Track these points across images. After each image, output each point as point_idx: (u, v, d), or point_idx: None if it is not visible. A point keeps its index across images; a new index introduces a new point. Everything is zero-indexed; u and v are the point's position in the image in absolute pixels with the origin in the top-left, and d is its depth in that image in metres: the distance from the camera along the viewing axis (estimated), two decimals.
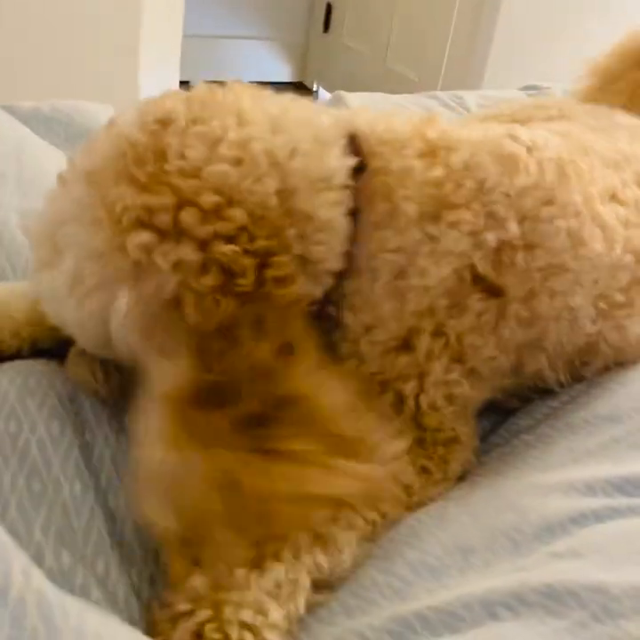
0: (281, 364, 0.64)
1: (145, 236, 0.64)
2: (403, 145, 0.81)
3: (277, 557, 0.66)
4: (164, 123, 0.68)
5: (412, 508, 0.78)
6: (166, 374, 0.65)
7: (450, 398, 0.81)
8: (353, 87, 1.84)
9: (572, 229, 0.83)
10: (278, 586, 0.65)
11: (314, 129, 0.75)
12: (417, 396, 0.80)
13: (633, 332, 0.92)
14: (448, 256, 0.78)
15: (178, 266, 0.64)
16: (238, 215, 0.65)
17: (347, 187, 0.74)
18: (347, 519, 0.72)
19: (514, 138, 0.85)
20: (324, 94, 4.10)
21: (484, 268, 0.79)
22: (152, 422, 0.64)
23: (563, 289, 0.84)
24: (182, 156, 0.66)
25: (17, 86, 2.43)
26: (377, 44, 3.65)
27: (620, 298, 0.89)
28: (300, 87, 4.26)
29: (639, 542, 0.65)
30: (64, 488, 0.71)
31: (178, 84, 2.78)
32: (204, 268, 0.64)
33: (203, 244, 0.64)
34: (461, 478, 0.84)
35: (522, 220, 0.81)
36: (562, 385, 0.92)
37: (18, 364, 0.82)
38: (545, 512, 0.70)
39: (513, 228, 0.80)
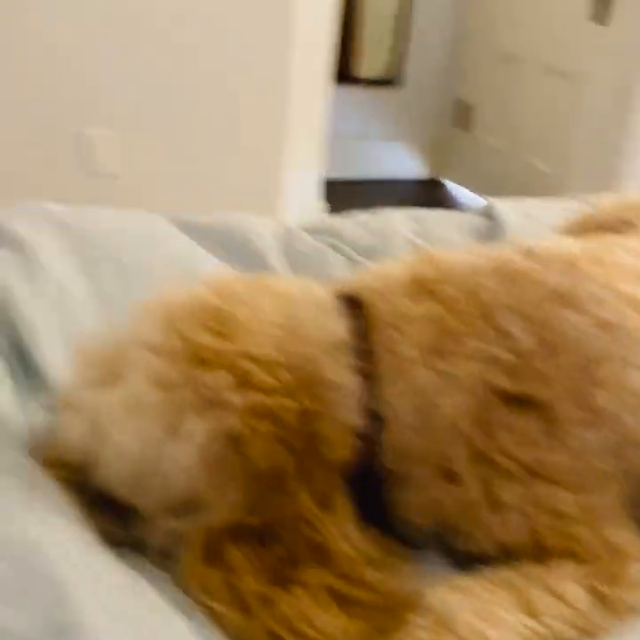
0: (319, 515, 0.71)
1: (221, 375, 0.71)
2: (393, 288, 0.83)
3: None
4: None
5: (586, 633, 0.73)
6: (213, 509, 0.71)
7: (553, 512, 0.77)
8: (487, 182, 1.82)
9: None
10: None
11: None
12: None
13: None
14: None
15: (245, 408, 0.71)
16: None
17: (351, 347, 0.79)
18: (500, 621, 0.70)
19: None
20: (455, 188, 4.33)
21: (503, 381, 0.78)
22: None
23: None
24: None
25: (173, 196, 2.57)
26: (513, 141, 3.74)
27: None
28: (435, 183, 4.46)
29: None
30: None
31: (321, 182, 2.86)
32: (266, 415, 0.71)
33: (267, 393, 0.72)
34: None
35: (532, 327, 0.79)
36: None
37: None
38: None
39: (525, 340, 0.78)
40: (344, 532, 0.72)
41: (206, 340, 0.73)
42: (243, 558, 0.70)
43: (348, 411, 0.76)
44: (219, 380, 0.72)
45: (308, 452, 0.72)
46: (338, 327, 0.79)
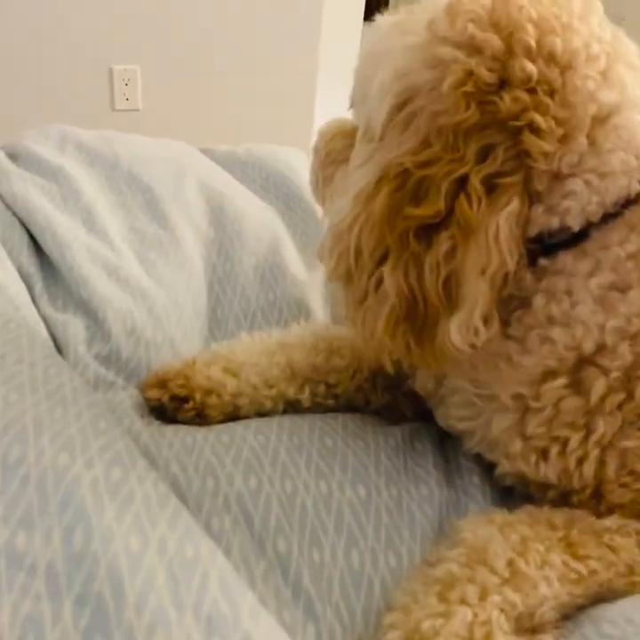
0: (479, 194, 0.64)
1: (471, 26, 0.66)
2: None
3: (462, 601, 0.62)
4: None
5: (635, 586, 0.69)
6: (391, 150, 0.68)
7: (632, 473, 0.72)
8: None
9: None
10: (469, 630, 0.60)
11: None
12: (580, 460, 0.73)
13: None
14: None
15: (462, 52, 0.65)
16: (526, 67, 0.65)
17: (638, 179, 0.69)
18: (539, 556, 0.67)
19: None
20: None
21: None
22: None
23: None
24: None
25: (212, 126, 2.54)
26: None
27: None
28: None
29: None
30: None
31: None
32: (476, 75, 0.64)
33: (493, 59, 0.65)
34: None
35: None
36: None
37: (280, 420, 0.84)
38: None
39: None
40: (498, 223, 0.64)
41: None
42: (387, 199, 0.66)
43: (578, 198, 0.68)
44: (470, 18, 0.66)
45: (511, 135, 0.64)
46: None
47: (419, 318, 0.67)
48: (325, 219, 0.88)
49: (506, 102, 0.64)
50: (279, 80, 2.57)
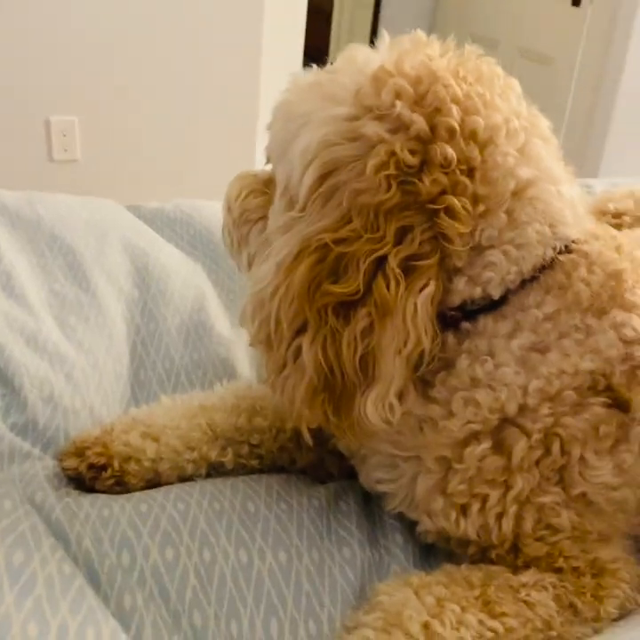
0: (396, 274, 0.65)
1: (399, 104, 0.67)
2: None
3: None
4: None
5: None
6: (312, 223, 0.68)
7: (548, 527, 0.73)
8: None
9: None
10: None
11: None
12: (499, 516, 0.73)
13: None
14: (596, 354, 0.72)
15: (388, 133, 0.67)
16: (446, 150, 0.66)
17: (552, 247, 0.72)
18: (455, 617, 0.67)
19: None
20: None
21: (619, 379, 0.72)
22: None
23: None
24: None
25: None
26: None
27: None
28: None
29: None
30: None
31: None
32: (399, 157, 0.66)
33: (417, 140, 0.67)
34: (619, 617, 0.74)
35: None
36: None
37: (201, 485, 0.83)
38: None
39: None
40: (415, 305, 0.65)
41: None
42: (307, 273, 0.66)
43: (497, 268, 0.70)
44: (399, 95, 0.68)
45: (428, 217, 0.66)
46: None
47: (336, 390, 0.68)
48: (246, 278, 0.88)
49: (426, 185, 0.65)
50: (220, 130, 2.58)
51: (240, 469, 0.88)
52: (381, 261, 0.65)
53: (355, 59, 0.74)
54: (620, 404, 0.73)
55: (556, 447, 0.72)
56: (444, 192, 0.66)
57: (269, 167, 0.83)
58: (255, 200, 0.84)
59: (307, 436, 0.75)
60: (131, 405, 0.97)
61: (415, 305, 0.65)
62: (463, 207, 0.66)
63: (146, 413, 0.89)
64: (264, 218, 0.81)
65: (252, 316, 0.72)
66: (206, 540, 0.74)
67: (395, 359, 0.66)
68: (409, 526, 0.82)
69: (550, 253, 0.72)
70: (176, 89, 2.53)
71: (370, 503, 0.85)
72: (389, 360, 0.66)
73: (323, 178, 0.68)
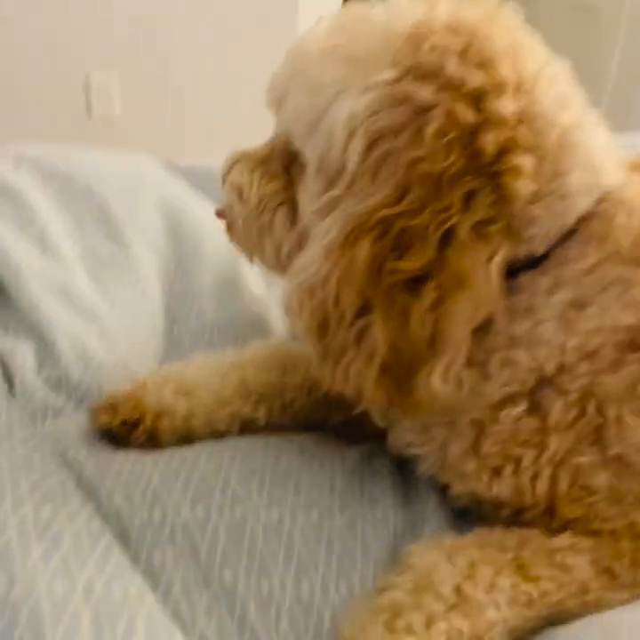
0: (469, 241, 0.62)
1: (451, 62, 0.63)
2: None
3: (409, 630, 0.61)
4: None
5: (588, 605, 0.68)
6: (363, 198, 0.64)
7: (584, 488, 0.71)
8: None
9: None
10: None
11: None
12: (533, 478, 0.71)
13: None
14: (636, 307, 0.69)
15: (442, 94, 0.62)
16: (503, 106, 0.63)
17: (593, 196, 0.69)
18: (488, 580, 0.66)
19: None
20: None
21: None
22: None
23: None
24: None
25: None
26: None
27: None
28: None
29: None
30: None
31: None
32: (458, 118, 0.62)
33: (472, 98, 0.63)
34: None
35: None
36: None
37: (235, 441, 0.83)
38: None
39: None
40: (491, 270, 0.62)
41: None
42: (370, 252, 0.63)
43: (544, 219, 0.67)
44: (446, 51, 0.64)
45: (491, 179, 0.62)
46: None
47: (402, 368, 0.65)
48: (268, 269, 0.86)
49: (487, 144, 0.62)
50: (259, 85, 2.55)
51: (273, 426, 0.87)
52: (449, 231, 0.62)
53: (369, 18, 0.69)
54: None
55: (591, 406, 0.70)
56: (505, 151, 0.62)
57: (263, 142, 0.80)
58: (271, 185, 0.79)
59: (379, 420, 0.75)
60: (164, 361, 0.97)
61: (490, 274, 0.62)
62: (529, 165, 0.63)
63: (178, 370, 0.88)
64: (285, 203, 0.78)
65: (300, 305, 0.68)
66: (238, 498, 0.73)
67: (464, 329, 0.63)
68: (442, 489, 0.80)
69: (591, 203, 0.69)
70: (213, 41, 2.50)
71: (404, 465, 0.84)
72: (460, 330, 0.63)
73: (370, 149, 0.64)
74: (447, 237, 0.62)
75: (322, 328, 0.67)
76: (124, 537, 0.66)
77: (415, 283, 0.63)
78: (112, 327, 0.95)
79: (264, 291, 1.09)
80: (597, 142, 0.70)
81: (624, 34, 2.93)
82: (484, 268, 0.62)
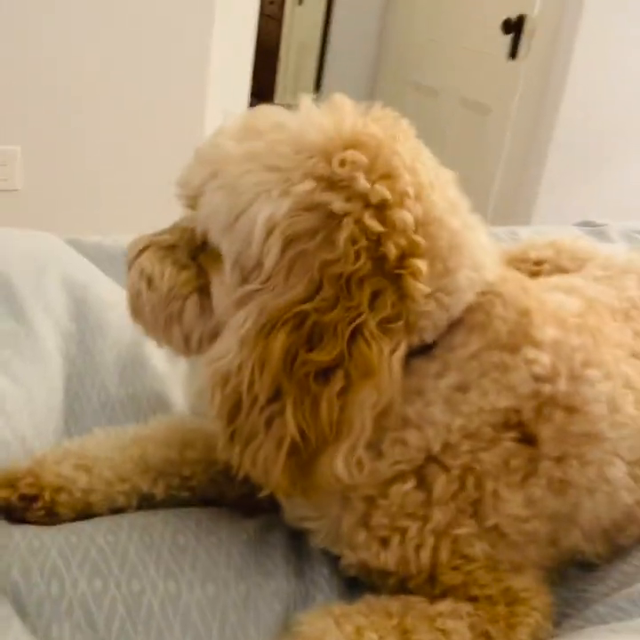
0: (376, 334, 0.68)
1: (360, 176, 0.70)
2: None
3: None
4: None
5: None
6: (278, 293, 0.70)
7: (463, 557, 0.77)
8: None
9: (609, 395, 0.82)
10: None
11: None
12: (417, 547, 0.77)
13: None
14: (511, 391, 0.77)
15: (352, 204, 0.69)
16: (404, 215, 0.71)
17: (476, 290, 0.77)
18: None
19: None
20: None
21: (528, 415, 0.78)
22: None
23: (598, 459, 0.81)
24: None
25: None
26: None
27: None
28: None
29: None
30: None
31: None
32: (366, 227, 0.69)
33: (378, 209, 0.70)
34: None
35: (570, 378, 0.80)
36: (599, 557, 0.88)
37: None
38: None
39: (562, 386, 0.79)
40: (393, 362, 0.69)
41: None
42: (285, 343, 0.68)
43: (436, 313, 0.74)
44: (355, 166, 0.70)
45: (394, 280, 0.70)
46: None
47: (307, 453, 0.70)
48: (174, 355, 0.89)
49: (391, 250, 0.69)
50: (164, 166, 2.58)
51: (171, 501, 0.90)
52: (357, 326, 0.68)
53: (284, 126, 0.75)
54: (529, 439, 0.78)
55: (470, 481, 0.77)
56: (405, 256, 0.70)
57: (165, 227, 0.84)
58: (182, 275, 0.82)
59: (285, 504, 0.81)
60: (64, 438, 0.98)
61: (391, 365, 0.69)
62: (424, 268, 0.70)
63: (78, 445, 0.90)
64: (195, 292, 0.81)
65: (213, 391, 0.73)
66: (135, 572, 0.75)
67: (368, 415, 0.69)
68: (334, 559, 0.84)
69: (474, 296, 0.77)
70: (121, 123, 2.55)
71: (297, 536, 0.87)
72: (364, 416, 0.69)
73: (286, 249, 0.70)
74: (355, 332, 0.68)
75: (233, 413, 0.72)
76: (21, 610, 0.67)
77: (325, 372, 0.68)
78: (11, 404, 0.95)
79: (167, 368, 1.11)
80: (479, 242, 0.78)
81: (511, 131, 3.15)
82: (387, 361, 0.69)
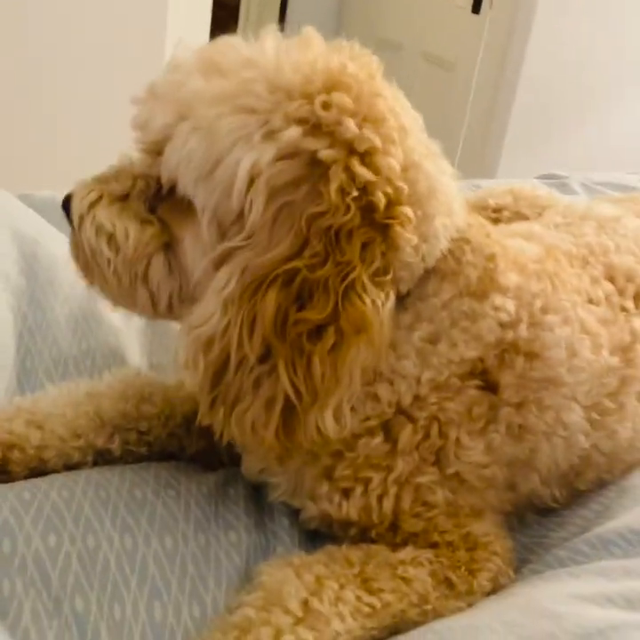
0: (367, 285, 0.66)
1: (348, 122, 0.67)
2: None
3: None
4: None
5: (428, 614, 0.73)
6: (264, 249, 0.67)
7: (424, 504, 0.77)
8: None
9: (567, 340, 0.82)
10: None
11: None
12: (380, 497, 0.77)
13: (624, 435, 0.89)
14: (478, 341, 0.77)
15: (337, 151, 0.66)
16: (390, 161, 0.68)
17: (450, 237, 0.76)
18: (333, 594, 0.69)
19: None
20: None
21: (491, 362, 0.77)
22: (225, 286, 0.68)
23: (556, 404, 0.81)
24: None
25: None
26: None
27: (610, 404, 0.87)
28: None
29: None
30: None
31: None
32: (355, 176, 0.66)
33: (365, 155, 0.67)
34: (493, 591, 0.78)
35: (531, 324, 0.80)
36: (557, 501, 0.89)
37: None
38: (582, 620, 0.66)
39: (523, 332, 0.79)
40: (383, 316, 0.67)
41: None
42: (274, 305, 0.65)
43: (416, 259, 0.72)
44: (341, 109, 0.67)
45: (382, 231, 0.67)
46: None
47: (297, 412, 0.68)
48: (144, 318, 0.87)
49: (380, 200, 0.66)
50: (120, 122, 2.53)
51: (128, 457, 0.88)
52: (350, 281, 0.66)
53: (255, 62, 0.71)
54: (491, 387, 0.78)
55: (435, 431, 0.76)
56: (393, 204, 0.68)
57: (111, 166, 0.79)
58: (147, 231, 0.76)
59: (245, 457, 0.81)
60: (16, 395, 0.95)
61: (381, 319, 0.67)
62: (412, 216, 0.69)
63: (30, 402, 0.87)
64: (161, 249, 0.76)
65: (196, 358, 0.70)
66: (91, 527, 0.73)
67: (359, 370, 0.68)
68: (295, 512, 0.83)
69: (447, 244, 0.76)
70: (78, 80, 2.47)
71: (258, 489, 0.86)
72: (355, 372, 0.68)
73: (270, 201, 0.66)
74: (348, 288, 0.66)
75: (216, 378, 0.70)
76: None
77: (318, 329, 0.66)
78: None
79: (122, 322, 1.09)
80: (452, 188, 0.76)
81: (475, 90, 3.12)
82: (378, 315, 0.67)
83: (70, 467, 0.84)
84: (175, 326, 1.10)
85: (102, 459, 0.87)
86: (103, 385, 0.91)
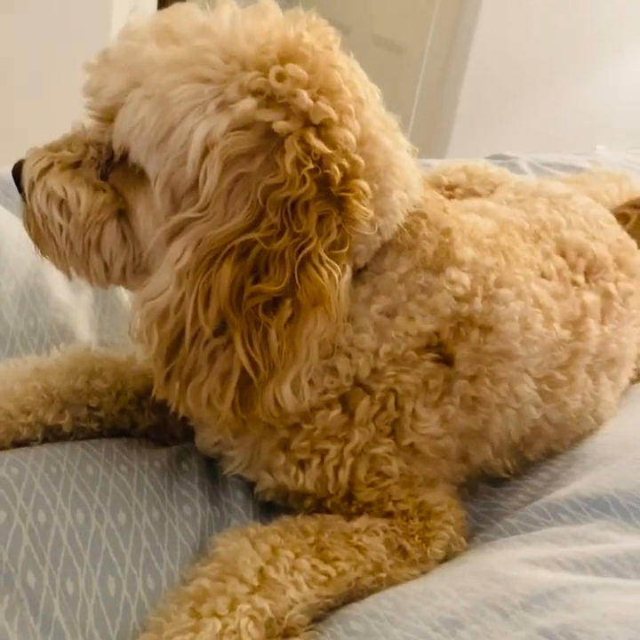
0: (324, 257, 0.66)
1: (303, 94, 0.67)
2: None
3: (213, 614, 0.63)
4: None
5: (381, 582, 0.74)
6: (220, 220, 0.66)
7: (379, 474, 0.78)
8: None
9: (521, 313, 0.83)
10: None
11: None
12: (336, 468, 0.77)
13: (573, 407, 0.91)
14: (434, 314, 0.77)
15: (292, 123, 0.66)
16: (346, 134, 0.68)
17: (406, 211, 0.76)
18: (289, 563, 0.69)
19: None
20: None
21: (447, 335, 0.78)
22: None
23: (509, 376, 0.82)
24: None
25: None
26: None
27: (561, 376, 0.88)
28: None
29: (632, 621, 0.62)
30: None
31: None
32: (310, 148, 0.66)
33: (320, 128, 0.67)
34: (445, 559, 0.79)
35: (485, 298, 0.80)
36: (509, 472, 0.90)
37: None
38: (532, 583, 0.67)
39: (478, 305, 0.79)
40: (340, 289, 0.67)
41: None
42: (230, 277, 0.65)
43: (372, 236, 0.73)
44: (296, 81, 0.67)
45: (338, 203, 0.67)
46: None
47: (254, 385, 0.68)
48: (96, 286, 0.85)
49: (336, 173, 0.66)
50: (68, 80, 2.45)
51: (79, 433, 0.86)
52: (307, 253, 0.66)
53: (209, 30, 0.70)
54: (446, 359, 0.78)
55: (391, 403, 0.77)
56: (349, 177, 0.67)
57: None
58: (99, 197, 0.74)
59: (199, 432, 0.82)
60: None
61: (339, 292, 0.67)
62: (368, 189, 0.68)
63: None
64: (113, 216, 0.75)
65: (150, 330, 0.69)
66: (42, 503, 0.72)
67: (316, 343, 0.68)
68: (250, 485, 0.83)
69: (404, 217, 0.76)
70: (24, 33, 2.39)
71: (212, 463, 0.86)
72: (311, 345, 0.68)
73: (225, 171, 0.66)
74: (304, 260, 0.66)
75: (171, 351, 0.69)
76: None
77: (274, 302, 0.66)
78: None
79: (71, 299, 1.07)
80: (409, 162, 0.76)
81: (424, 72, 3.13)
82: (335, 288, 0.67)
83: (19, 443, 0.83)
84: (126, 303, 1.10)
85: (52, 435, 0.85)
86: (52, 360, 0.89)
